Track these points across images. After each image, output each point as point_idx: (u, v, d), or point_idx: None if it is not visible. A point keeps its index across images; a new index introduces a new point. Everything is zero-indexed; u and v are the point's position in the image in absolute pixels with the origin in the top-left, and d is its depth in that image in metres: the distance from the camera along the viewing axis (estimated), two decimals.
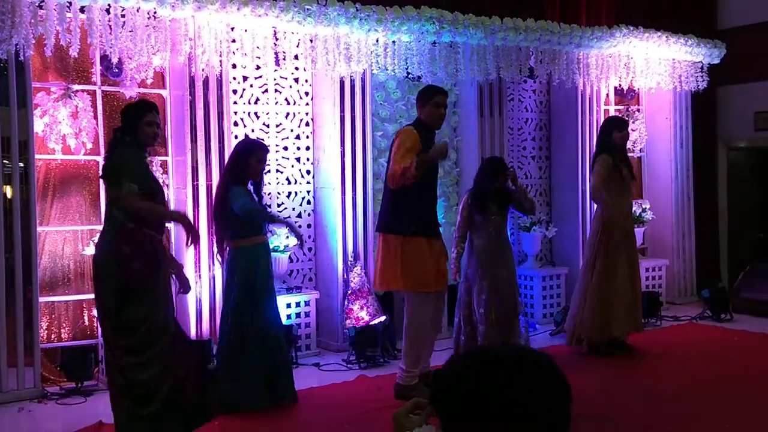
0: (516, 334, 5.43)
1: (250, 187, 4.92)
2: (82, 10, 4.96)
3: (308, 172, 6.56)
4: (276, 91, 6.40)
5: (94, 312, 5.45)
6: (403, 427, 1.51)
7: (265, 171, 5.04)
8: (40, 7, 4.84)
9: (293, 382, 4.94)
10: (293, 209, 6.50)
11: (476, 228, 5.41)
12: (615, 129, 6.01)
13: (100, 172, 4.34)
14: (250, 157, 4.85)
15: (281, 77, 6.40)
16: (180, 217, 4.37)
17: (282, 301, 5.97)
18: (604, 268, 5.88)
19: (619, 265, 5.89)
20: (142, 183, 3.96)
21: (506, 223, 5.62)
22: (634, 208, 7.81)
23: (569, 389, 1.36)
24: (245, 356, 4.75)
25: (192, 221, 4.35)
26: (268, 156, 6.25)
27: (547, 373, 1.35)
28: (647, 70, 7.65)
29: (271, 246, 5.95)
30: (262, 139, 6.07)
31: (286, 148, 6.47)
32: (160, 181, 5.50)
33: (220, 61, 5.54)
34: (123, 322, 3.87)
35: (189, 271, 5.59)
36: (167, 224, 4.34)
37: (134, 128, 4.04)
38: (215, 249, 5.18)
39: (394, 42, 6.16)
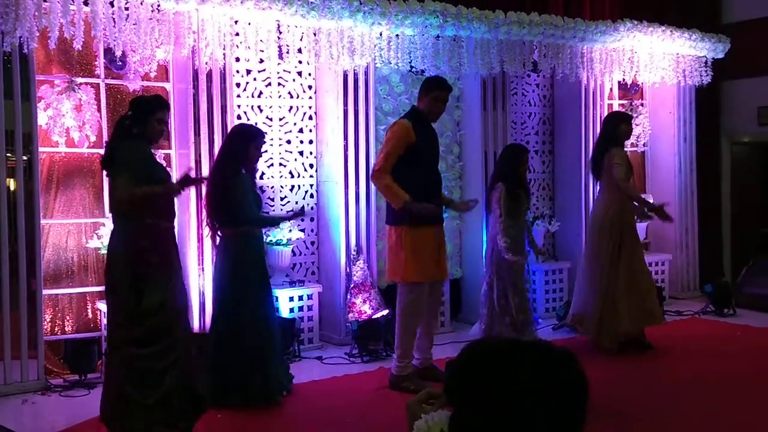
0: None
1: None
2: (85, 2, 4.95)
3: (311, 165, 6.55)
4: (279, 84, 6.39)
5: (98, 305, 5.49)
6: (416, 416, 1.52)
7: (260, 157, 5.03)
8: None
9: (274, 381, 4.76)
10: (296, 203, 6.50)
11: (509, 217, 5.49)
12: (622, 122, 6.03)
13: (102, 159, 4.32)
14: (249, 145, 4.79)
15: (284, 70, 6.40)
16: (176, 187, 4.09)
17: (285, 294, 5.98)
18: (633, 261, 5.89)
19: (621, 258, 5.91)
20: (149, 177, 3.96)
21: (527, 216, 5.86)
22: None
23: (587, 387, 1.36)
24: (228, 349, 4.66)
25: (181, 185, 4.11)
26: (271, 149, 6.34)
27: (569, 371, 1.34)
28: (651, 65, 7.63)
29: (274, 239, 5.97)
30: (256, 123, 6.09)
31: (289, 142, 6.47)
32: None
33: (224, 54, 5.54)
34: (140, 313, 3.89)
35: (192, 263, 5.62)
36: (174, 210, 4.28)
37: (144, 122, 4.03)
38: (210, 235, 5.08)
39: (397, 35, 6.15)
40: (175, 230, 5.50)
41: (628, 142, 7.80)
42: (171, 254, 4.08)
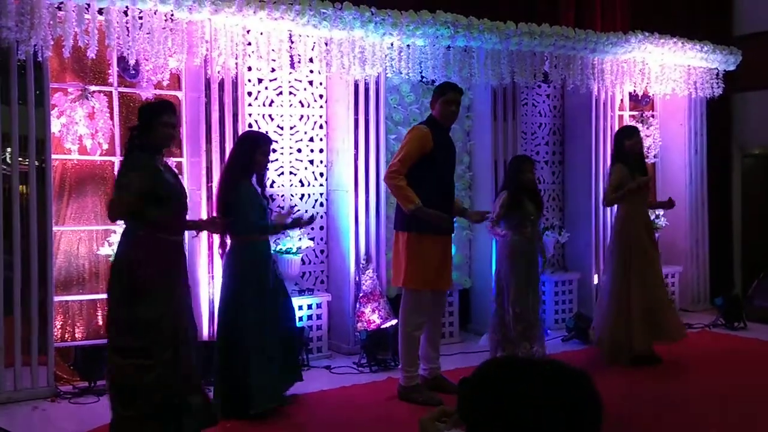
0: (541, 338, 5.67)
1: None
2: (100, 12, 5.00)
3: (321, 174, 6.57)
4: (290, 93, 6.42)
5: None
6: None
7: (268, 164, 4.98)
8: (59, 8, 4.88)
9: (265, 390, 4.72)
10: (306, 211, 6.50)
11: (514, 226, 5.50)
12: (625, 138, 6.05)
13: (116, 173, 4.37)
14: (255, 151, 4.80)
15: (296, 80, 6.43)
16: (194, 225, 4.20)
17: (294, 303, 5.97)
18: (647, 275, 5.90)
19: (633, 271, 5.89)
20: (151, 192, 3.92)
21: (539, 224, 5.85)
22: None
23: (601, 407, 1.36)
24: (229, 355, 4.68)
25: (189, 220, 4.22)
26: (282, 157, 6.36)
27: (581, 390, 1.34)
28: (662, 76, 7.62)
29: (284, 248, 5.98)
30: (266, 132, 6.12)
31: (299, 150, 6.49)
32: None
33: (236, 63, 5.57)
34: (133, 324, 3.86)
35: (201, 272, 5.64)
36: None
37: (150, 129, 4.00)
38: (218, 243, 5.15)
39: (408, 46, 6.17)
40: (185, 242, 5.56)
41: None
42: (172, 268, 4.00)
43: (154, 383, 3.85)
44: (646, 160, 8.15)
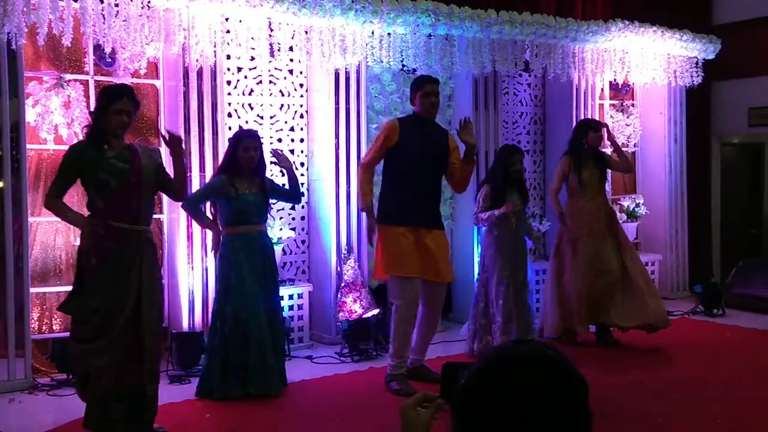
0: (531, 328, 5.73)
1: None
2: None
3: (302, 164, 6.53)
4: (270, 82, 6.36)
5: None
6: (410, 420, 1.50)
7: (256, 159, 4.95)
8: None
9: (277, 376, 4.91)
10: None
11: (499, 219, 5.50)
12: (590, 130, 6.09)
13: None
14: (237, 146, 4.90)
15: (276, 68, 6.37)
16: (78, 224, 4.14)
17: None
18: (556, 264, 6.17)
19: (574, 261, 6.03)
20: (89, 177, 3.99)
21: (525, 213, 5.86)
22: (627, 203, 7.86)
23: (587, 389, 1.35)
24: (224, 345, 4.80)
25: (91, 227, 3.97)
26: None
27: (565, 373, 1.34)
28: (642, 65, 7.65)
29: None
30: (246, 121, 6.11)
31: (280, 140, 6.44)
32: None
33: (215, 51, 5.50)
34: (80, 312, 3.97)
35: (181, 263, 5.59)
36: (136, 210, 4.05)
37: (104, 115, 3.99)
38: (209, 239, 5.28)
39: (389, 34, 6.13)
40: (164, 227, 5.49)
41: (618, 143, 7.84)
42: (117, 257, 3.92)
43: (102, 368, 3.91)
44: (627, 149, 8.23)
